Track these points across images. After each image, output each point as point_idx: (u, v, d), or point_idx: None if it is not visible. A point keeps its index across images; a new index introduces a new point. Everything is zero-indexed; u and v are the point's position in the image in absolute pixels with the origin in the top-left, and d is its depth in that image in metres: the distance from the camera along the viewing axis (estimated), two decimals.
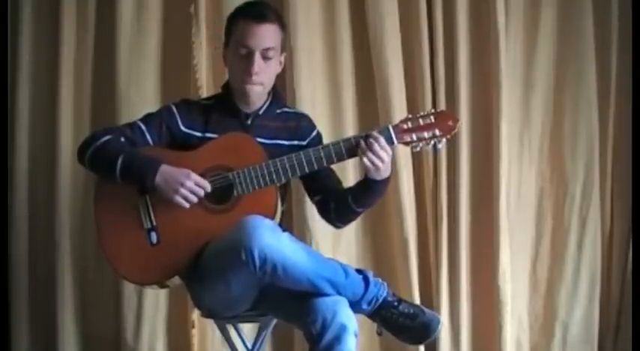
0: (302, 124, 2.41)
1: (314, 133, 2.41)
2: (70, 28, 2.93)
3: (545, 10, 3.11)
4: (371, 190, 2.24)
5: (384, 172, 2.19)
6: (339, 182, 2.39)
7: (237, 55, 2.26)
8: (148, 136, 2.25)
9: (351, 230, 2.96)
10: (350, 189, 2.32)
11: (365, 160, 2.14)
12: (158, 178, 2.14)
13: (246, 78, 2.25)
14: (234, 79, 2.31)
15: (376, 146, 2.13)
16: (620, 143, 3.15)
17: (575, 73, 3.11)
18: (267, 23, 2.25)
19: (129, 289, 2.89)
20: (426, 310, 2.11)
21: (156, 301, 2.93)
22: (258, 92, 2.29)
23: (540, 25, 3.11)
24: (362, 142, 2.14)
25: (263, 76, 2.27)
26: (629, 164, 3.09)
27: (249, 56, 2.24)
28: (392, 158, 2.18)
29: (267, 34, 2.26)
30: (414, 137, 2.18)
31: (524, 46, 3.12)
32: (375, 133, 2.15)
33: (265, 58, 2.25)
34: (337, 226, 2.40)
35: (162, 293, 2.92)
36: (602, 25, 3.13)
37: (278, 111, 2.39)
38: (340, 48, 3.01)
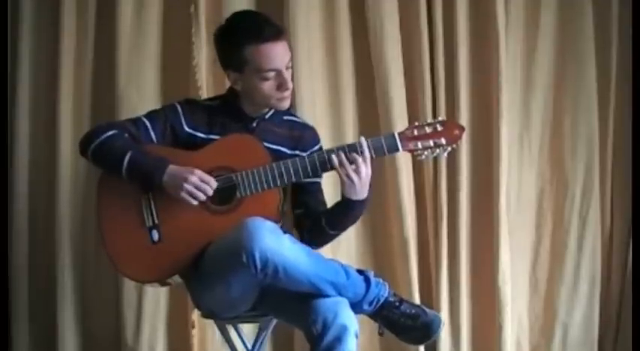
0: (306, 135, 2.37)
1: (316, 148, 2.37)
2: (70, 28, 2.92)
3: (545, 10, 3.11)
4: (346, 209, 2.21)
5: (361, 191, 2.16)
6: (323, 204, 2.35)
7: (261, 80, 2.20)
8: (152, 134, 2.24)
9: (351, 230, 2.93)
10: (325, 210, 2.30)
11: (341, 172, 2.12)
12: (165, 177, 2.13)
13: (283, 95, 2.22)
14: (263, 100, 2.25)
15: (359, 159, 2.12)
16: (620, 143, 3.15)
17: (575, 73, 3.11)
18: (281, 38, 2.21)
19: (129, 289, 2.89)
20: (427, 310, 2.11)
21: (156, 301, 2.92)
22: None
23: (540, 25, 3.11)
24: (341, 154, 2.13)
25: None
26: (629, 164, 3.10)
27: (277, 76, 2.20)
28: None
29: (285, 48, 2.22)
30: (419, 145, 2.18)
31: (524, 46, 3.12)
32: (363, 144, 2.13)
33: (287, 68, 2.22)
34: (311, 247, 2.35)
35: (163, 293, 2.92)
36: (602, 25, 3.12)
37: (284, 118, 2.36)
38: (340, 48, 3.00)
